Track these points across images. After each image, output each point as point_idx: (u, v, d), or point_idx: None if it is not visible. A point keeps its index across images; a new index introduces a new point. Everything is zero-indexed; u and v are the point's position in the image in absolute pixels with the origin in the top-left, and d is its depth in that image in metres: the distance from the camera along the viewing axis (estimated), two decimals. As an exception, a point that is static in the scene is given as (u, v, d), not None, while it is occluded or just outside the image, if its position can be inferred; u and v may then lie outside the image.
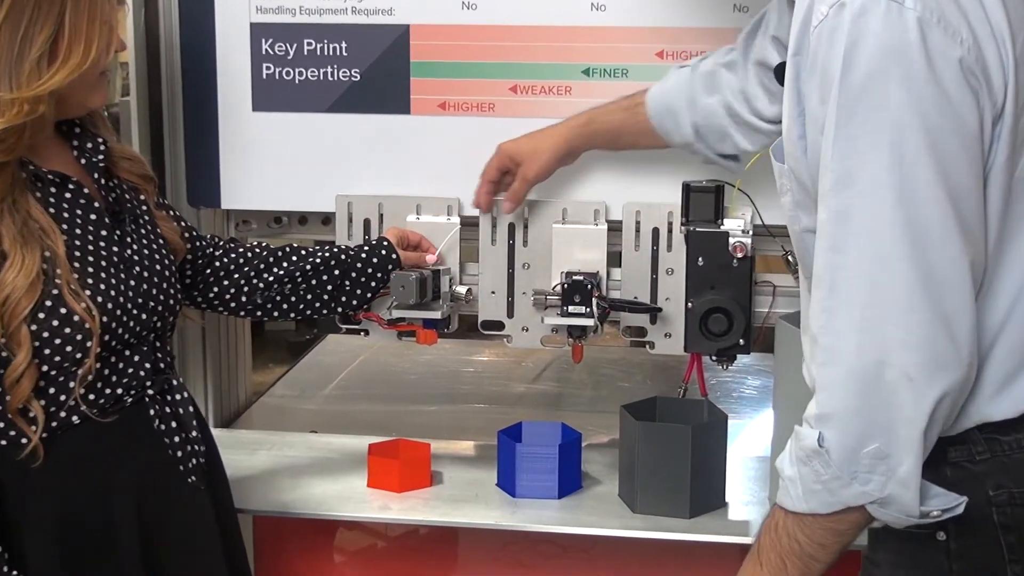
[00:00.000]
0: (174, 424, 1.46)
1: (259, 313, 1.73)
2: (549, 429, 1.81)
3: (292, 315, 1.75)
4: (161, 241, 1.53)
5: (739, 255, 1.73)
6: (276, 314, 1.74)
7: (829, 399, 1.17)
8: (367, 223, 1.92)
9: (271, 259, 1.73)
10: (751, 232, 1.75)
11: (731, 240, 1.73)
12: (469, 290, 1.89)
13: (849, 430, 1.16)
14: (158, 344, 1.48)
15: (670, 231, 1.85)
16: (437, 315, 1.82)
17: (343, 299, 1.77)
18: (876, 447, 1.15)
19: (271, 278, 1.72)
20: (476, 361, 2.53)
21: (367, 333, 1.93)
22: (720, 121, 1.65)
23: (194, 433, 1.48)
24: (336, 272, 1.75)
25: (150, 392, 1.44)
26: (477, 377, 2.43)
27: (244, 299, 1.71)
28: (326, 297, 1.76)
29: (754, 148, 1.65)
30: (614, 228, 1.87)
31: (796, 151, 1.23)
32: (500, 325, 1.92)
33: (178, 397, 1.48)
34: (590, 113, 1.72)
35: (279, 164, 1.94)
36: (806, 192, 1.24)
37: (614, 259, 1.88)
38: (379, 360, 2.51)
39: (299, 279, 1.73)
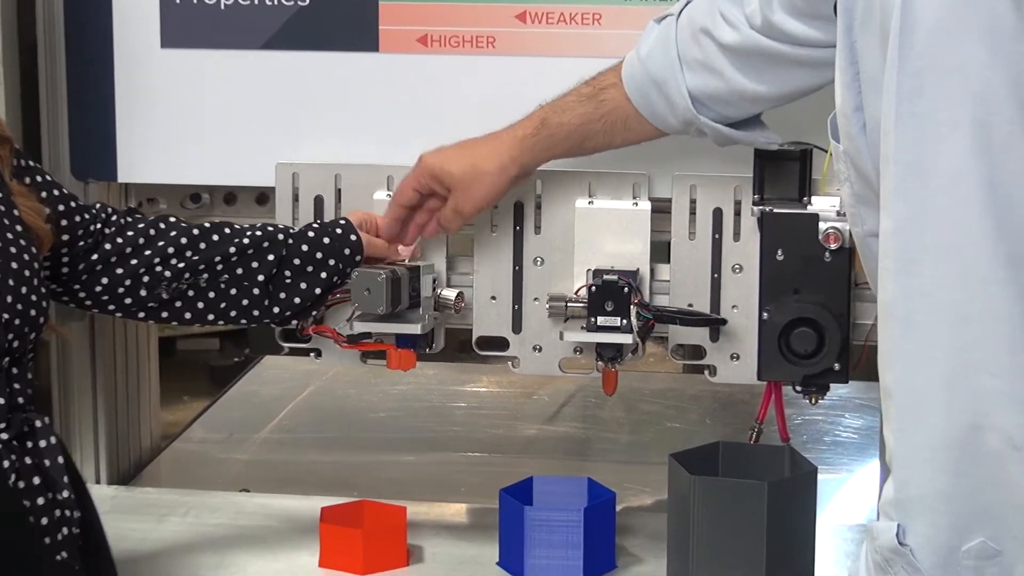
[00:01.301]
0: (37, 480, 1.44)
1: (165, 315, 1.71)
2: (571, 487, 1.81)
3: (210, 318, 1.73)
4: (19, 228, 1.50)
5: (833, 246, 1.73)
6: (188, 316, 1.72)
7: (911, 479, 1.16)
8: (319, 202, 1.91)
9: (183, 239, 1.70)
10: (850, 214, 1.77)
11: (822, 226, 1.73)
12: (460, 294, 1.88)
13: (941, 520, 1.15)
14: (15, 371, 1.46)
15: (738, 213, 1.85)
16: (416, 329, 1.81)
17: (281, 297, 1.75)
18: (981, 542, 1.14)
19: (181, 264, 1.69)
20: (469, 393, 2.52)
21: (319, 354, 1.93)
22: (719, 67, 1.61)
23: (65, 493, 1.46)
24: (271, 258, 1.73)
25: (3, 437, 1.43)
26: (471, 415, 2.42)
27: (144, 294, 1.68)
28: (256, 293, 1.73)
29: (779, 90, 1.60)
30: (661, 209, 1.87)
31: (852, 128, 1.24)
32: (503, 343, 1.92)
33: (43, 444, 1.46)
34: (541, 113, 1.72)
35: (197, 121, 1.94)
36: (867, 183, 1.25)
37: (660, 252, 1.88)
38: (336, 392, 2.51)
39: (220, 267, 1.71)
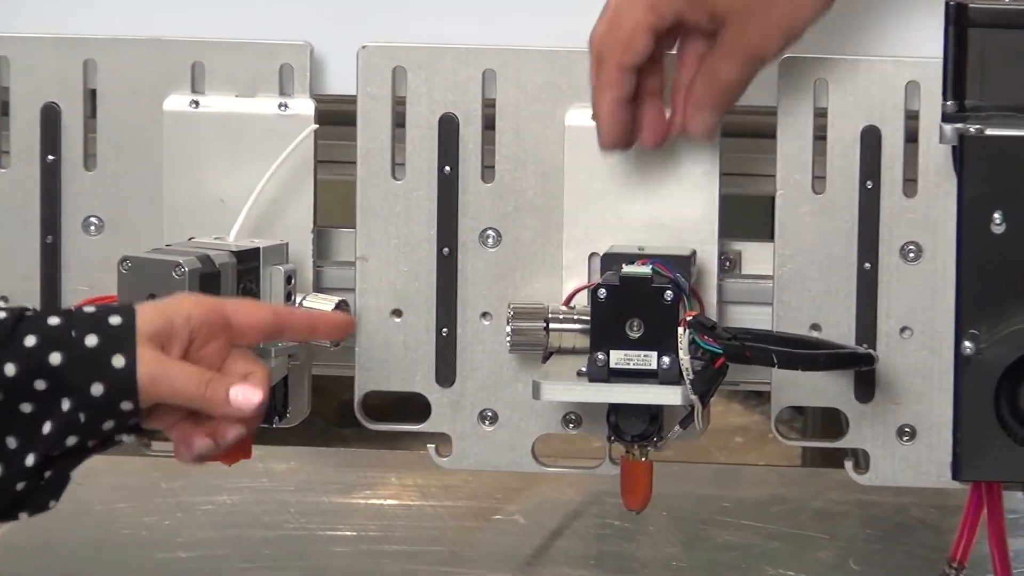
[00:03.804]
0: None
1: None
2: None
3: None
4: None
5: (1106, 208, 1.79)
6: None
7: None
8: (52, 116, 2.01)
9: None
10: None
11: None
12: (340, 305, 1.94)
13: None
14: None
15: (912, 139, 1.92)
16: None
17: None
18: None
19: None
20: (362, 510, 2.64)
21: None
22: None
23: None
24: None
25: None
26: (365, 554, 2.50)
27: None
28: None
29: None
30: (750, 131, 2.01)
31: None
32: (418, 407, 1.95)
33: None
34: None
35: None
36: None
37: (749, 217, 1.95)
38: (89, 512, 2.60)
39: None
